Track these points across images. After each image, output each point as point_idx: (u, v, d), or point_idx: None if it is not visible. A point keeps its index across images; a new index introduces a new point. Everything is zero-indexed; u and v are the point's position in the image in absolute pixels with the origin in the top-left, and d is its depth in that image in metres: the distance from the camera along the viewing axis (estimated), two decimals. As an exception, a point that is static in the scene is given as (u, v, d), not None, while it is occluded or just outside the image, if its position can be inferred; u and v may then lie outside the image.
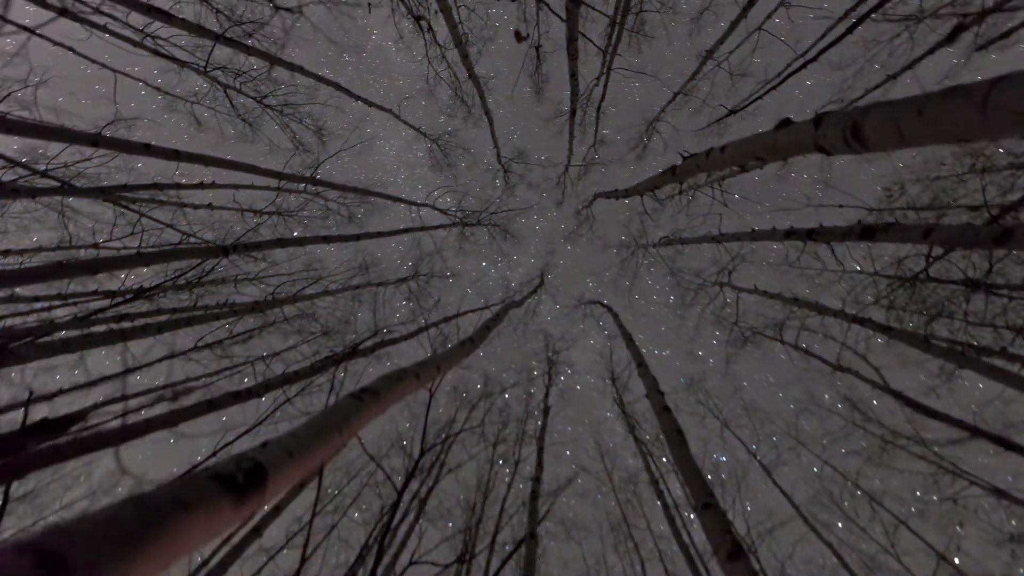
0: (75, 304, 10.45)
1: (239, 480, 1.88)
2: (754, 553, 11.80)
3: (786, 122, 3.70)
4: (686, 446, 5.71)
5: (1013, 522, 11.40)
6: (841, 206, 9.72)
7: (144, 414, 6.65)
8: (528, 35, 11.33)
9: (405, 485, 6.37)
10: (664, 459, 15.19)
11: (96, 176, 11.03)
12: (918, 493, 12.84)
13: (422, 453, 6.66)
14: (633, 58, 12.72)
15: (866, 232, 6.75)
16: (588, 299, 19.97)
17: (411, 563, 7.12)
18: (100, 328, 8.96)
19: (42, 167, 9.63)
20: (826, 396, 15.59)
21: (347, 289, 14.61)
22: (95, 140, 7.43)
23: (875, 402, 13.61)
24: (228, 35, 10.01)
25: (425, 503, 12.50)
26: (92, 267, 6.65)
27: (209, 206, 13.12)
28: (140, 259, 7.17)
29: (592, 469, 17.79)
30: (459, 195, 17.86)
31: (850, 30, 8.61)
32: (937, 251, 8.46)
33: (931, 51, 10.20)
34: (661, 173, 7.09)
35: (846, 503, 14.27)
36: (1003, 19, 9.37)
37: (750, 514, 13.67)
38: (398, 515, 11.10)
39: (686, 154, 5.77)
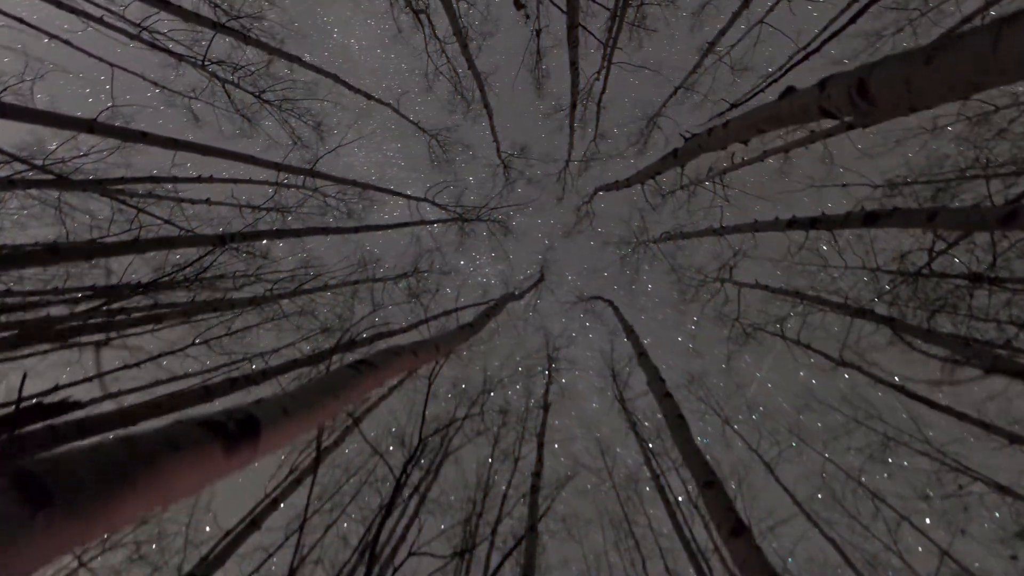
0: (72, 301, 10.38)
1: (231, 429, 1.85)
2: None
3: (790, 90, 3.64)
4: (687, 429, 5.69)
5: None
6: (845, 185, 9.67)
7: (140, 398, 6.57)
8: (526, 4, 11.28)
9: (404, 471, 6.30)
10: (663, 453, 15.15)
11: (93, 172, 10.98)
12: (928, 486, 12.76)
13: (421, 440, 6.59)
14: (634, 52, 12.72)
15: (869, 218, 6.69)
16: (588, 295, 19.93)
17: (410, 554, 7.04)
18: (97, 320, 8.91)
19: (39, 162, 9.58)
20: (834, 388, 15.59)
21: (346, 284, 14.55)
22: (91, 127, 7.36)
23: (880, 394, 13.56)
24: (224, 23, 9.97)
25: (425, 497, 12.47)
26: (86, 252, 6.59)
27: (207, 201, 13.08)
28: (136, 246, 7.11)
29: (593, 466, 17.72)
30: (458, 191, 17.73)
31: (853, 20, 8.57)
32: (940, 245, 8.41)
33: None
34: (663, 158, 7.04)
35: (848, 501, 14.23)
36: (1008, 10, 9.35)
37: (752, 511, 13.59)
38: (397, 502, 11.06)
39: (688, 135, 5.71)
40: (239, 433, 1.89)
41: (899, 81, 2.46)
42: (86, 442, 1.34)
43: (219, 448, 1.75)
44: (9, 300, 9.65)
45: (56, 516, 1.11)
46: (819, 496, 14.74)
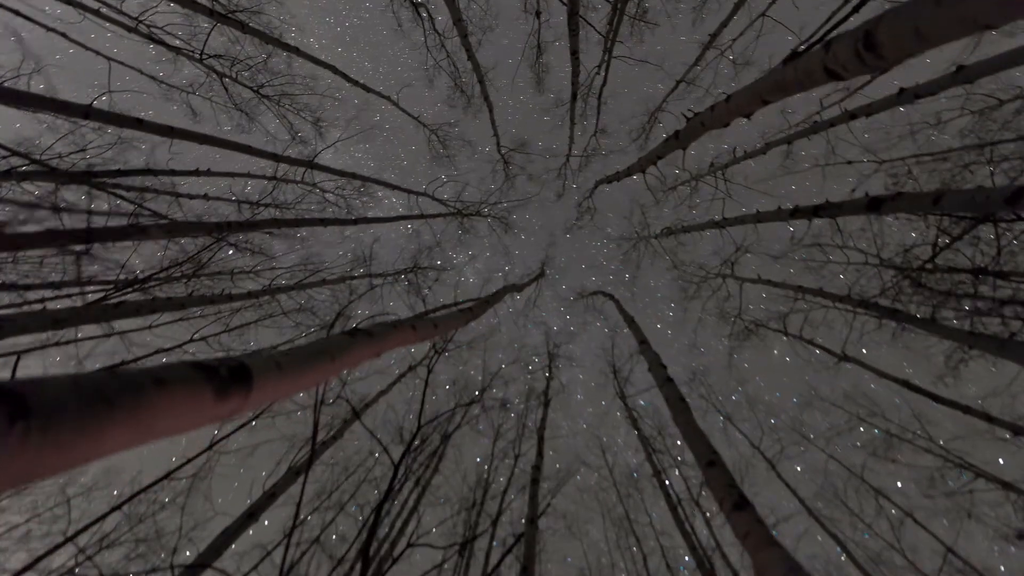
0: (69, 296, 10.31)
1: (222, 373, 1.82)
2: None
3: (794, 55, 3.57)
4: (689, 412, 5.68)
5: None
6: (850, 162, 9.59)
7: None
8: None
9: (403, 457, 6.24)
10: (664, 450, 15.07)
11: (90, 167, 10.92)
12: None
13: (419, 427, 6.53)
14: (635, 46, 12.66)
15: (873, 204, 6.62)
16: (589, 290, 19.90)
17: (409, 545, 6.96)
18: (94, 313, 8.84)
19: (37, 156, 9.51)
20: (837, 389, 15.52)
21: (345, 279, 14.48)
22: (87, 112, 7.34)
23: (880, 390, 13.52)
24: (225, 14, 9.93)
25: (425, 491, 12.40)
26: (83, 236, 6.54)
27: (204, 197, 13.01)
28: (133, 231, 7.06)
29: (593, 463, 17.66)
30: (459, 186, 17.69)
31: (856, 9, 8.49)
32: (944, 240, 8.36)
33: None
34: (664, 141, 6.94)
35: (850, 498, 14.15)
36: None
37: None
38: (395, 489, 10.97)
39: (689, 114, 5.64)
40: (231, 379, 1.86)
41: (907, 28, 2.40)
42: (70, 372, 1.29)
43: (209, 391, 1.72)
44: (6, 293, 9.59)
45: (34, 430, 1.08)
46: (827, 495, 14.71)
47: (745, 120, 4.76)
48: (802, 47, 9.06)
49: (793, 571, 3.04)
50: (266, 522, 9.70)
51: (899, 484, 13.50)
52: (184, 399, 1.58)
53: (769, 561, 3.25)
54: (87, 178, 9.74)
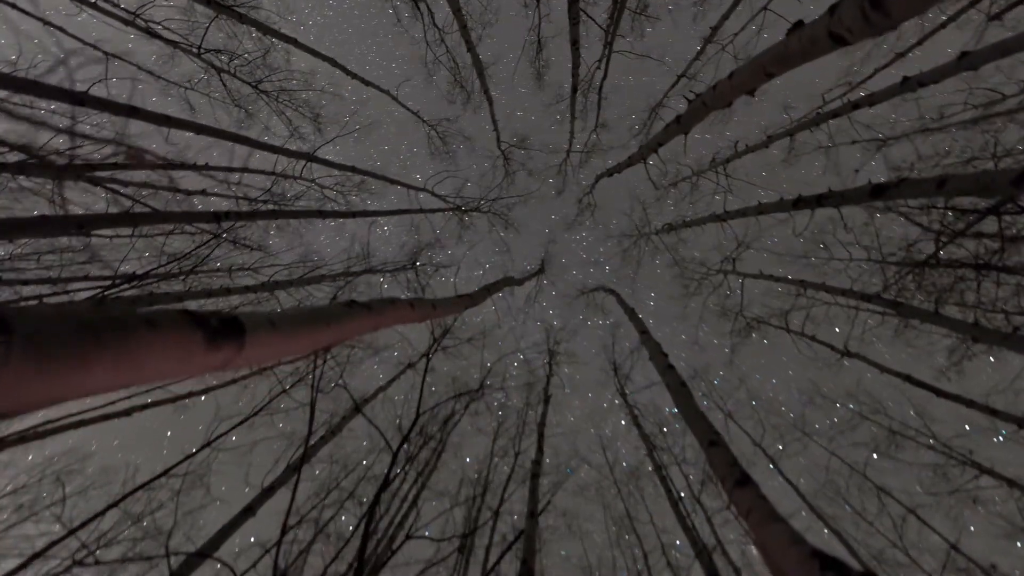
0: (66, 292, 10.26)
1: (214, 324, 1.78)
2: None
3: (798, 25, 3.51)
4: (691, 396, 5.62)
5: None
6: (853, 142, 9.53)
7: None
8: None
9: (401, 445, 6.17)
10: (665, 448, 14.99)
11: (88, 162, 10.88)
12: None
13: (417, 416, 6.47)
14: (636, 40, 12.59)
15: (877, 191, 6.55)
16: (590, 286, 19.81)
17: (408, 537, 6.90)
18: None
19: (36, 150, 9.47)
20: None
21: (344, 275, 14.41)
22: (81, 99, 7.27)
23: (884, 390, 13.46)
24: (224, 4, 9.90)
25: (424, 485, 12.33)
26: (77, 223, 6.47)
27: (203, 192, 12.95)
28: (128, 219, 7.00)
29: (594, 462, 17.58)
30: (458, 182, 17.59)
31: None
32: (949, 232, 8.31)
33: (942, 26, 10.11)
34: (666, 127, 6.89)
35: (853, 496, 14.07)
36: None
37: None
38: (394, 479, 10.92)
39: (691, 96, 5.56)
40: (222, 330, 1.81)
41: (917, -19, 2.34)
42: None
43: (200, 337, 1.68)
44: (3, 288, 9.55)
45: (16, 349, 1.04)
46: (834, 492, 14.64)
47: (749, 97, 4.68)
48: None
49: (797, 544, 2.96)
50: (265, 518, 9.65)
51: (901, 482, 13.45)
52: (175, 343, 1.55)
53: (772, 536, 3.17)
54: (84, 172, 9.71)
